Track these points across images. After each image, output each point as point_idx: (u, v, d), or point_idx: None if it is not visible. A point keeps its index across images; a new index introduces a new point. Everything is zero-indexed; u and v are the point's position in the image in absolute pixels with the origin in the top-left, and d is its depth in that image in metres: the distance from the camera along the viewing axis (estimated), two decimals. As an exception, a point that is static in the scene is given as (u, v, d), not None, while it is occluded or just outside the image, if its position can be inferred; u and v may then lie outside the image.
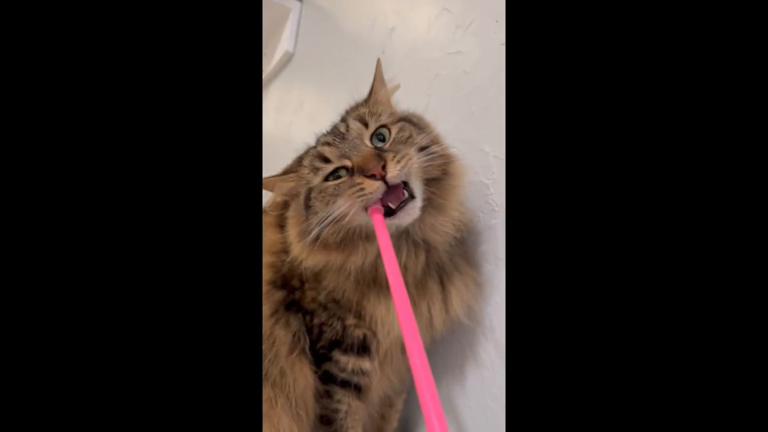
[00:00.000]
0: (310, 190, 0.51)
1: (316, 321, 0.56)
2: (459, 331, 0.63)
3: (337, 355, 0.55)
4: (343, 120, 0.56)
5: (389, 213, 0.47)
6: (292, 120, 1.39)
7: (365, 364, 0.56)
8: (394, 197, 0.46)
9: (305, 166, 0.53)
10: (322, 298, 0.55)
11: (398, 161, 0.46)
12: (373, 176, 0.45)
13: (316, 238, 0.49)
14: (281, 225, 0.60)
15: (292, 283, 0.57)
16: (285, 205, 0.63)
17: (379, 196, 0.45)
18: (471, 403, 0.62)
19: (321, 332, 0.56)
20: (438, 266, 0.55)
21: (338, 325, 0.55)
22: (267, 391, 0.51)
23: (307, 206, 0.51)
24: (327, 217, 0.47)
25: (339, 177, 0.49)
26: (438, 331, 0.57)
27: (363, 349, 0.56)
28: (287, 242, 0.55)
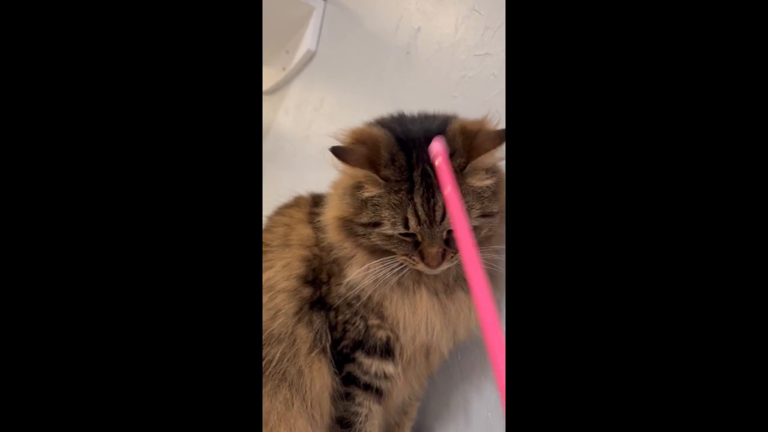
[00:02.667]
0: (377, 224, 0.49)
1: (340, 318, 0.55)
2: (479, 341, 0.62)
3: (360, 356, 0.55)
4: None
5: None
6: (312, 118, 1.39)
7: (389, 367, 0.55)
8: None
9: (392, 205, 0.48)
10: (346, 293, 0.55)
11: (451, 260, 0.50)
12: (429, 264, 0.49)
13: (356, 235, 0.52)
14: (311, 222, 0.60)
15: (320, 277, 0.57)
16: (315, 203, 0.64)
17: None
18: (488, 412, 0.60)
19: (345, 330, 0.55)
20: (463, 278, 0.55)
21: (361, 324, 0.55)
22: (284, 392, 0.51)
23: (365, 226, 0.50)
24: (383, 262, 0.51)
25: (405, 237, 0.49)
26: (460, 339, 0.57)
27: (386, 352, 0.55)
28: (321, 214, 0.56)
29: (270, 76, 1.74)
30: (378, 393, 0.56)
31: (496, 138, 0.46)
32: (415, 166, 0.47)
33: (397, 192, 0.47)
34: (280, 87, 1.72)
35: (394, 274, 0.51)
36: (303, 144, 1.43)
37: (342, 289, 0.55)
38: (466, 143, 0.47)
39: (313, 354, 0.53)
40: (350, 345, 0.55)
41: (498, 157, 0.49)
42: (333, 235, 0.54)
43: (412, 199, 0.47)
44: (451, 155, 0.47)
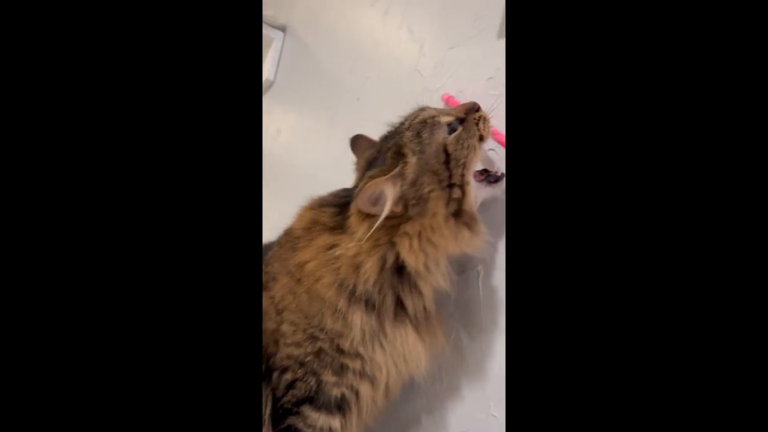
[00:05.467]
0: (445, 146, 0.55)
1: (288, 376, 0.56)
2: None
3: (307, 410, 0.55)
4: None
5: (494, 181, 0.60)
6: (271, 146, 1.43)
7: (335, 423, 0.56)
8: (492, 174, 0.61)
9: (413, 142, 0.55)
10: (300, 352, 0.56)
11: None
12: (478, 109, 0.59)
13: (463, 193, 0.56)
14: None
15: (269, 350, 0.57)
16: None
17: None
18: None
19: (291, 388, 0.56)
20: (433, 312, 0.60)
21: (312, 381, 0.55)
22: None
23: (447, 162, 0.55)
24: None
25: (453, 131, 0.57)
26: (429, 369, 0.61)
27: (338, 408, 0.56)
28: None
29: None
30: None
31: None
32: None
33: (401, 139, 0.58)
34: (239, 109, 1.75)
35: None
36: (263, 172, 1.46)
37: (295, 349, 0.56)
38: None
39: None
40: (293, 401, 0.55)
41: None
42: (467, 236, 0.56)
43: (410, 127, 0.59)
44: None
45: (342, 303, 0.54)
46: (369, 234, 0.53)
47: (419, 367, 0.58)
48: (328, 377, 0.55)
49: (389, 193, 0.53)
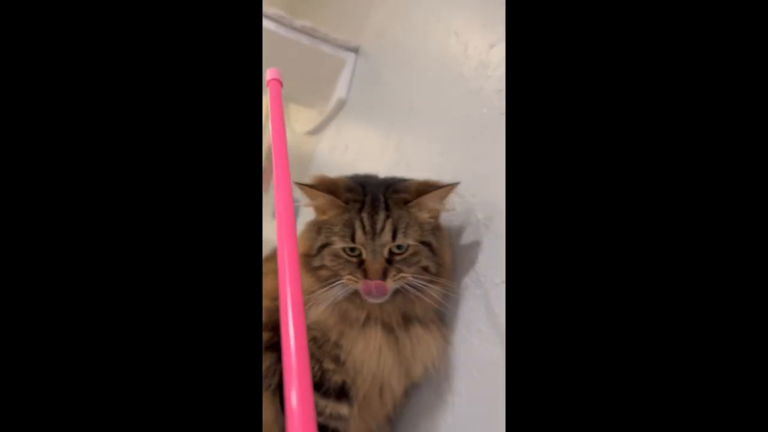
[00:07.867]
0: (328, 245, 0.59)
1: None
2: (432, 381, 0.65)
3: (315, 398, 0.57)
4: (387, 209, 0.59)
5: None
6: (339, 161, 1.49)
7: (344, 409, 0.59)
8: (375, 290, 0.57)
9: (344, 222, 0.58)
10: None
11: (394, 281, 0.57)
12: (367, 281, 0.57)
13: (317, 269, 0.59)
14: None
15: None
16: None
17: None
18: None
19: None
20: (421, 313, 0.62)
21: (316, 368, 0.59)
22: None
23: (319, 251, 0.59)
24: (329, 283, 0.58)
25: (351, 254, 0.58)
26: (414, 377, 0.62)
27: (342, 394, 0.59)
28: None
29: (312, 119, 1.88)
30: None
31: (435, 188, 0.59)
32: (368, 193, 0.59)
33: (350, 211, 0.58)
34: (320, 129, 1.85)
35: (337, 292, 0.57)
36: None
37: None
38: (415, 190, 0.60)
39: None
40: None
41: (439, 206, 0.61)
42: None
43: (360, 213, 0.57)
44: (400, 192, 0.60)
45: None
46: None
47: (384, 370, 0.59)
48: (328, 364, 0.59)
49: (308, 200, 0.61)
